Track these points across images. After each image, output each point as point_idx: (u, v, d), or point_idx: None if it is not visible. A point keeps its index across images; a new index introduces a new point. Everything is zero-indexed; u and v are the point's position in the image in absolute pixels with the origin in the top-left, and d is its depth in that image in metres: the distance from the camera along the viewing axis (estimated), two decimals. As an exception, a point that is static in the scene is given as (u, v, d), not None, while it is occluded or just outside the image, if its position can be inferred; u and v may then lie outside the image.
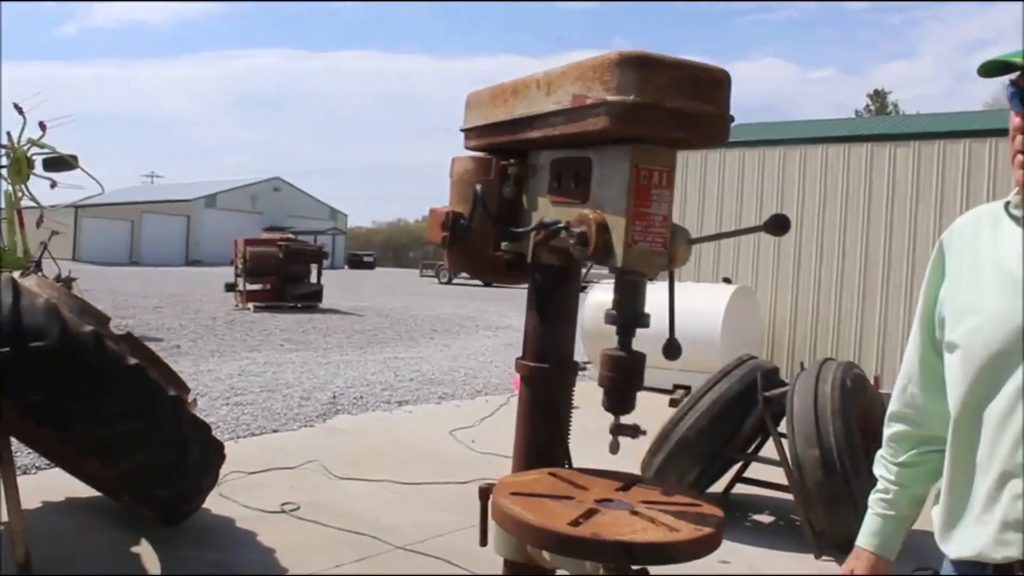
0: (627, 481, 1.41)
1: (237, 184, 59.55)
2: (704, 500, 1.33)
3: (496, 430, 7.31)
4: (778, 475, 4.99)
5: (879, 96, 51.17)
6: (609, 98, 1.15)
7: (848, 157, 9.93)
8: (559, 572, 1.42)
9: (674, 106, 1.17)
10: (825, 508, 4.60)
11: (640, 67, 1.15)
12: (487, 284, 36.15)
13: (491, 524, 1.51)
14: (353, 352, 11.64)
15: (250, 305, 17.30)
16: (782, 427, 5.00)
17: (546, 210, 1.40)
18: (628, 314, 1.25)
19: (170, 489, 3.95)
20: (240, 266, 17.73)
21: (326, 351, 11.58)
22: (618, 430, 1.32)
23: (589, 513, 1.22)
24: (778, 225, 1.31)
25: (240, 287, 17.83)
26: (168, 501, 4.08)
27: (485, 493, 1.56)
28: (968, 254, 1.46)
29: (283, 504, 4.89)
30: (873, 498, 1.67)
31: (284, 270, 17.77)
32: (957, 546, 1.42)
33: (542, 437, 1.50)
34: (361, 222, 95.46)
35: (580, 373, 8.76)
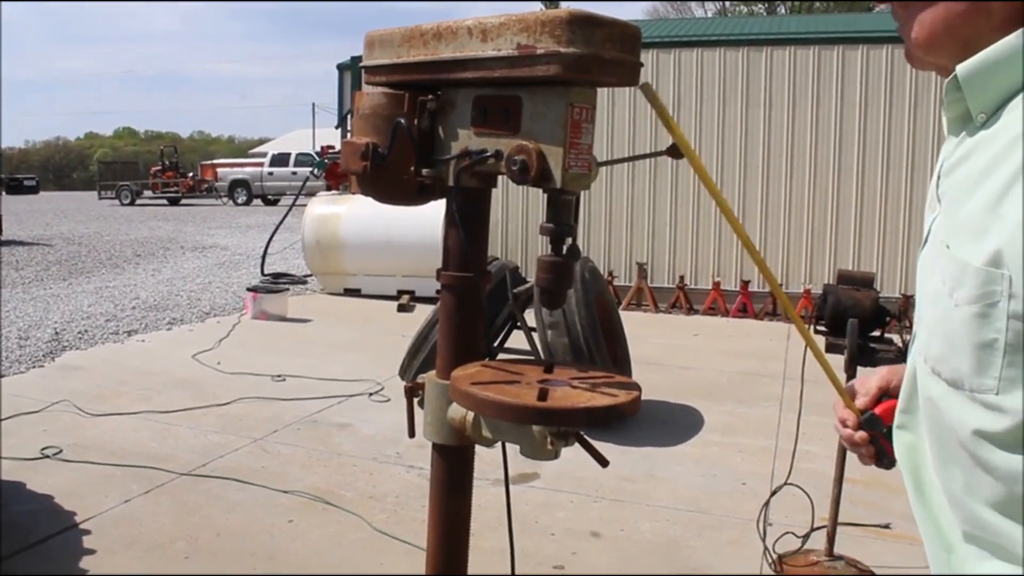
0: (547, 364, 1.70)
1: None
2: (615, 372, 1.66)
3: (237, 350, 7.27)
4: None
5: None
6: (562, 50, 1.38)
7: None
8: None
9: (610, 57, 1.43)
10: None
11: (585, 25, 1.39)
12: (173, 203, 33.93)
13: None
14: (57, 285, 10.62)
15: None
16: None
17: (467, 140, 1.60)
18: (562, 226, 1.51)
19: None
20: None
21: (25, 286, 10.44)
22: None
23: (543, 391, 1.50)
24: (678, 151, 1.65)
25: None
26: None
27: (411, 391, 1.78)
28: None
29: (43, 449, 4.61)
30: None
31: (-49, 201, 15.55)
32: None
33: (468, 336, 1.74)
34: (12, 142, 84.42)
35: (302, 287, 9.00)
